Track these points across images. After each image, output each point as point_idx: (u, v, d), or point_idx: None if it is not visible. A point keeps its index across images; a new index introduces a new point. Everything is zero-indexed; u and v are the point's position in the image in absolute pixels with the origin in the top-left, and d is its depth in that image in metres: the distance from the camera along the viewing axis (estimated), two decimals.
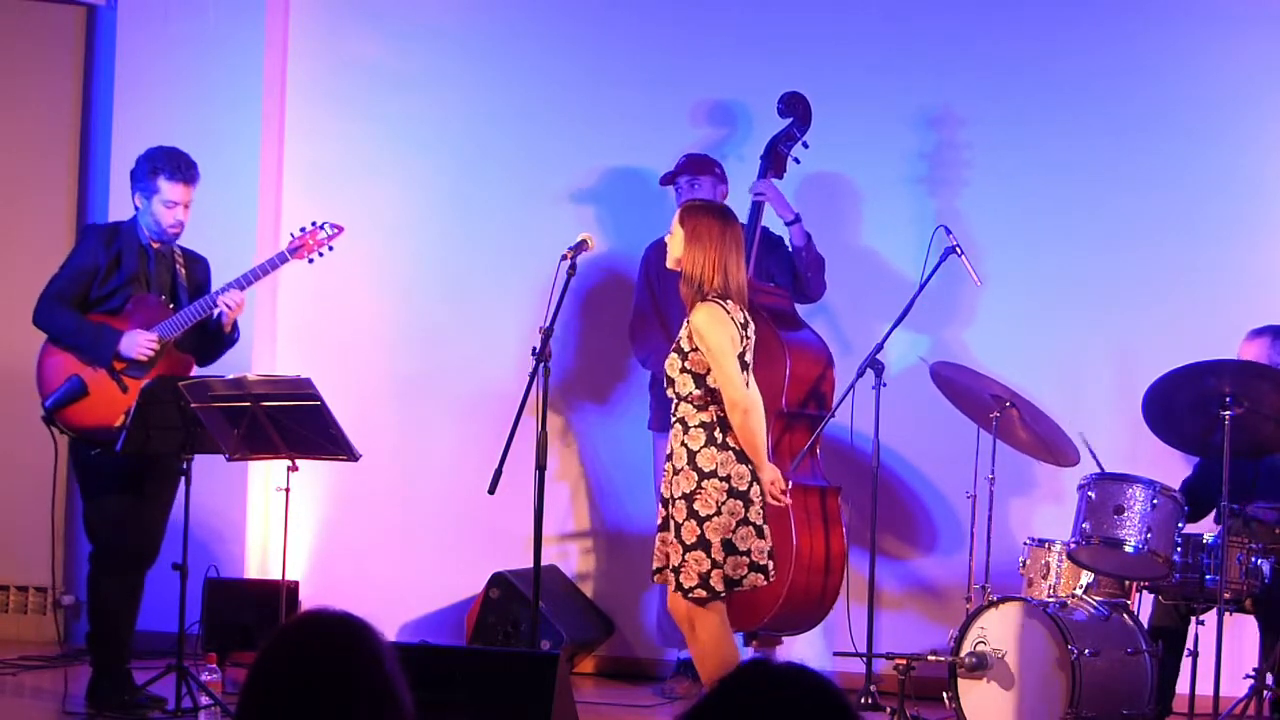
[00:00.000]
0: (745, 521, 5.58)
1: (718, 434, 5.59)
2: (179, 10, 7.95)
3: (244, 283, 6.48)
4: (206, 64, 7.92)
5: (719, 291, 5.60)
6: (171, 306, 6.49)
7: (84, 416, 6.35)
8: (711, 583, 5.56)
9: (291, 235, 6.65)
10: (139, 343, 6.35)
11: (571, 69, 7.93)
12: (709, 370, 5.59)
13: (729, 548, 5.56)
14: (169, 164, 6.44)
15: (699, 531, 5.56)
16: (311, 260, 6.65)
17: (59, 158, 8.13)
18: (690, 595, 5.60)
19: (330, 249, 6.65)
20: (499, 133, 7.97)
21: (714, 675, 5.65)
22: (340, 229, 6.65)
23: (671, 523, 5.63)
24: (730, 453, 5.58)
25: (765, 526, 5.64)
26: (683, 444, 5.63)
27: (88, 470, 6.45)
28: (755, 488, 5.61)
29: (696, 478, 5.58)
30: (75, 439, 6.42)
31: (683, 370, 5.63)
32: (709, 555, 5.55)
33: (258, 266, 6.58)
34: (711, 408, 5.60)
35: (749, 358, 5.67)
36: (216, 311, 6.43)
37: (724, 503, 5.56)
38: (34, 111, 8.13)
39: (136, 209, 6.51)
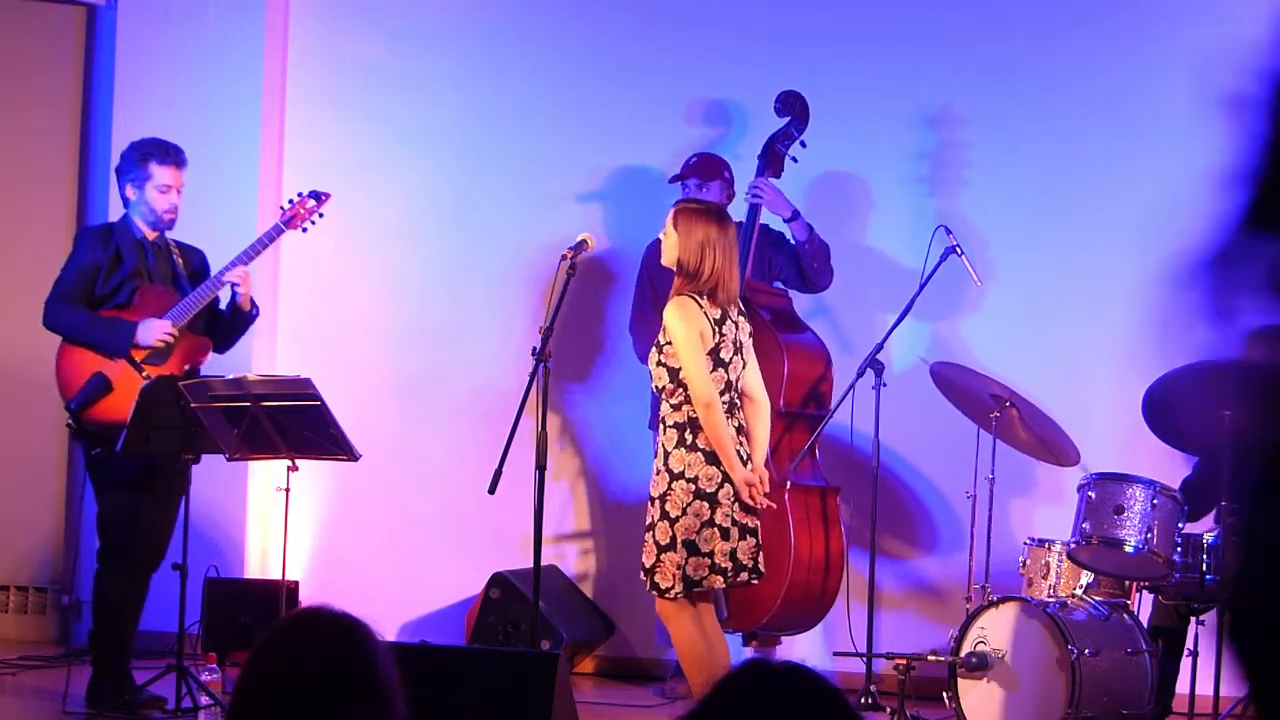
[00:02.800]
0: (710, 523, 5.61)
1: (688, 435, 5.62)
2: (179, 10, 7.95)
3: (246, 258, 6.52)
4: (206, 64, 7.93)
5: (705, 290, 5.61)
6: (177, 295, 6.52)
7: (110, 411, 6.32)
8: (676, 584, 5.62)
9: (282, 208, 6.69)
10: (155, 329, 6.37)
11: (570, 68, 7.93)
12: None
13: (691, 548, 5.60)
14: (157, 150, 6.51)
15: (671, 533, 5.61)
16: (305, 229, 6.68)
17: (59, 157, 8.14)
18: (666, 595, 5.63)
19: (321, 216, 6.70)
20: (498, 132, 7.97)
21: (693, 675, 5.71)
22: (328, 195, 6.70)
23: (652, 522, 5.68)
24: (699, 454, 5.61)
25: (734, 528, 5.64)
26: (661, 444, 5.69)
27: (100, 468, 6.44)
28: (725, 489, 5.62)
29: (668, 479, 5.63)
30: (99, 435, 6.38)
31: (659, 364, 5.67)
32: (676, 556, 5.62)
33: (256, 241, 6.62)
34: (685, 408, 5.63)
35: (728, 355, 5.66)
36: (226, 290, 6.46)
37: (689, 504, 5.60)
38: (34, 111, 8.14)
39: (128, 202, 6.54)
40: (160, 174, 6.49)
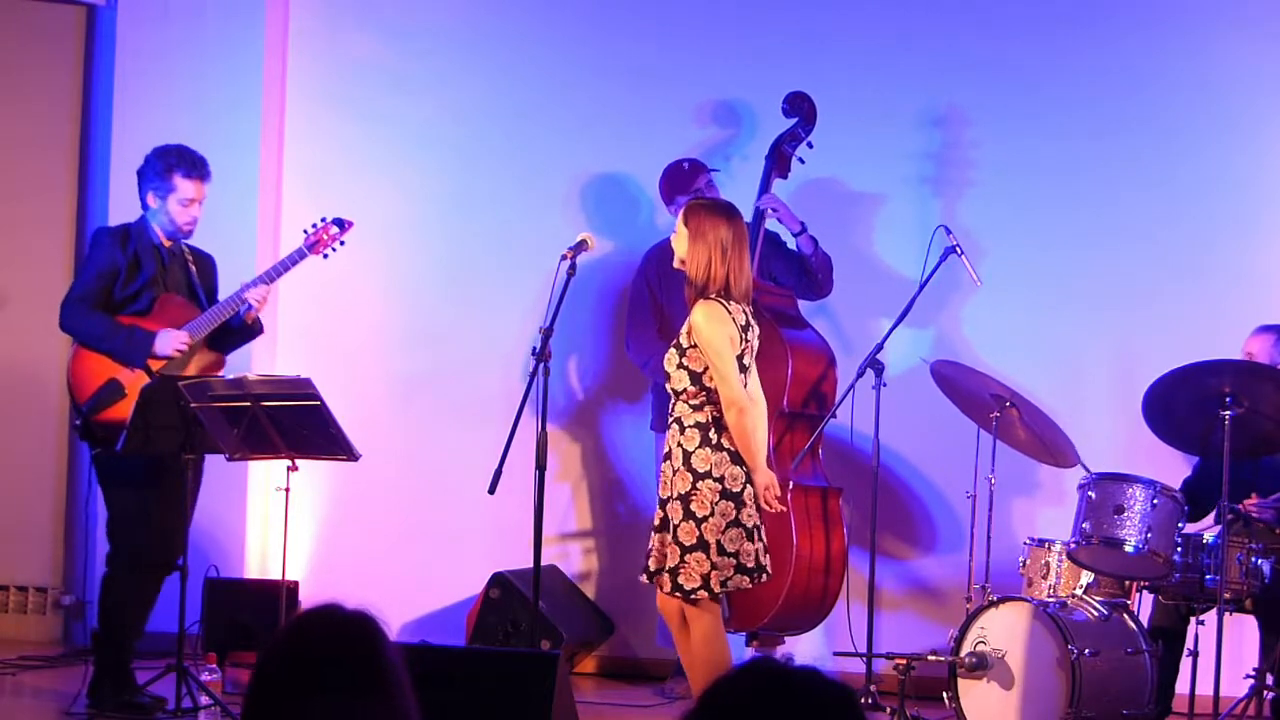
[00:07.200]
0: (735, 523, 5.57)
1: (712, 434, 5.58)
2: (179, 10, 7.95)
3: (269, 278, 6.54)
4: (206, 64, 7.92)
5: (721, 291, 5.59)
6: (194, 305, 6.51)
7: (118, 412, 6.29)
8: (711, 583, 5.57)
9: (305, 232, 6.67)
10: (172, 340, 6.38)
11: (572, 69, 7.93)
12: (706, 368, 5.58)
13: (719, 549, 5.56)
14: (184, 161, 6.48)
15: (697, 533, 5.55)
16: (326, 256, 6.68)
17: (59, 158, 8.13)
18: (692, 597, 5.59)
19: (342, 244, 6.69)
20: (499, 132, 7.97)
21: (705, 677, 5.66)
22: (350, 224, 6.70)
23: (669, 523, 5.63)
24: (725, 454, 5.57)
25: (756, 529, 5.63)
26: (679, 444, 5.62)
27: (106, 468, 6.42)
28: (748, 489, 5.59)
29: (692, 478, 5.57)
30: (105, 436, 6.36)
31: (679, 366, 5.63)
32: (708, 556, 5.55)
33: (280, 263, 6.64)
34: (707, 408, 5.59)
35: (748, 360, 5.65)
36: (244, 308, 6.46)
37: (717, 504, 5.55)
38: (34, 111, 8.13)
39: (147, 208, 6.52)
40: (184, 187, 6.48)
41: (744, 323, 5.61)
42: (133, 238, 6.50)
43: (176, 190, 6.47)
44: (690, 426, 5.61)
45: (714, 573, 5.55)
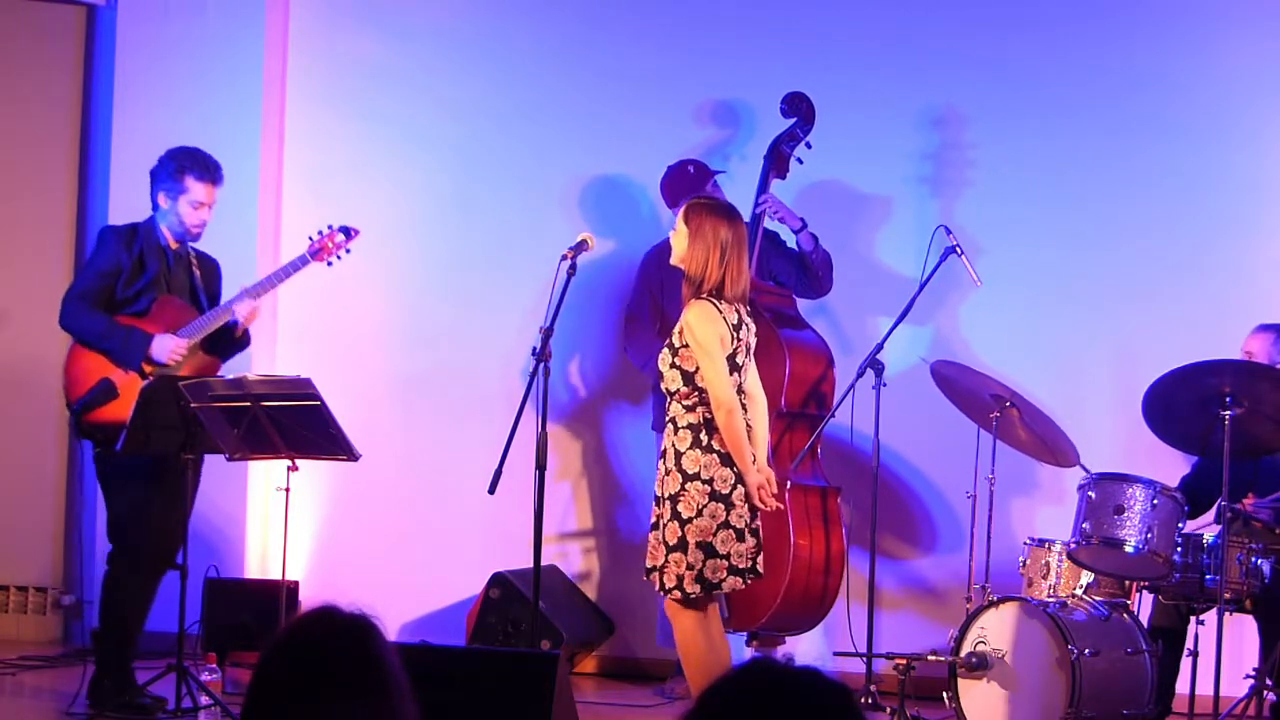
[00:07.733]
0: (726, 525, 5.57)
1: (703, 436, 5.58)
2: (179, 10, 7.96)
3: (257, 292, 6.52)
4: (206, 64, 7.93)
5: (715, 291, 5.59)
6: (192, 308, 6.51)
7: (112, 413, 6.29)
8: (685, 585, 5.57)
9: (310, 238, 6.68)
10: (169, 348, 6.37)
11: (573, 68, 7.93)
12: (698, 368, 5.58)
13: (708, 550, 5.56)
14: (197, 164, 6.48)
15: (680, 533, 5.57)
16: (330, 264, 6.68)
17: (59, 157, 8.14)
18: (671, 595, 5.62)
19: (348, 251, 6.69)
20: (499, 132, 7.97)
21: (691, 676, 5.72)
22: (357, 232, 6.71)
23: (660, 522, 5.64)
24: (715, 455, 5.58)
25: (748, 530, 5.63)
26: (672, 444, 5.64)
27: (107, 467, 6.42)
28: (738, 490, 5.59)
29: (681, 479, 5.58)
30: (98, 436, 6.36)
31: (672, 365, 5.63)
32: (686, 557, 5.56)
33: (277, 271, 6.62)
34: (699, 409, 5.59)
35: (741, 359, 5.65)
36: (232, 320, 6.46)
37: (705, 506, 5.55)
38: (34, 111, 8.14)
39: (157, 208, 6.52)
40: (196, 190, 6.48)
41: (735, 321, 5.61)
42: (139, 237, 6.50)
43: (188, 192, 6.48)
44: (683, 428, 5.62)
45: (689, 574, 5.56)
